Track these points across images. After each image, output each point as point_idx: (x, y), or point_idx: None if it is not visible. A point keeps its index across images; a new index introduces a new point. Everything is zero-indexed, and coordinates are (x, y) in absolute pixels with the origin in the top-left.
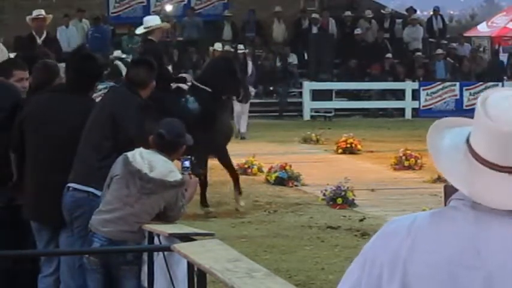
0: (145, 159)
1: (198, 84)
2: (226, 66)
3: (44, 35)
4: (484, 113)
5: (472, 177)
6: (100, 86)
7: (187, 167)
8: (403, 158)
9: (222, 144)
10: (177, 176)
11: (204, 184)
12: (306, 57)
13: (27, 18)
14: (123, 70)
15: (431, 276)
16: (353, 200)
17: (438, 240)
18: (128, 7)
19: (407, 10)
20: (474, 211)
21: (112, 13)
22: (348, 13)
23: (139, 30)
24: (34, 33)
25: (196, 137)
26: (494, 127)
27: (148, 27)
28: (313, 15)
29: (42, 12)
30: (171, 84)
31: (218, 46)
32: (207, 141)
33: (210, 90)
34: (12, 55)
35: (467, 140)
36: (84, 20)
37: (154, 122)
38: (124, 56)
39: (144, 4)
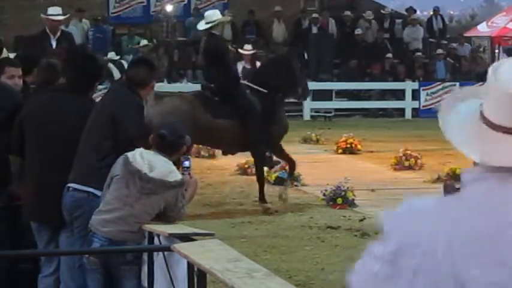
0: (145, 159)
1: (250, 84)
2: (284, 65)
3: (59, 34)
4: (494, 77)
5: (482, 141)
6: (100, 87)
7: (187, 167)
8: (403, 158)
9: (279, 138)
10: (177, 176)
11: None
12: (306, 57)
13: (42, 15)
14: (115, 72)
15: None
16: (353, 200)
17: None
18: (127, 7)
19: (407, 10)
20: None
21: (112, 13)
22: (348, 13)
23: (201, 26)
24: (48, 31)
25: (261, 132)
26: (500, 89)
27: (212, 22)
28: (313, 15)
29: (59, 11)
30: (239, 77)
31: None
32: (268, 136)
33: (263, 89)
34: (12, 55)
35: (480, 108)
36: (84, 20)
37: (229, 118)
38: (117, 58)
39: (144, 4)
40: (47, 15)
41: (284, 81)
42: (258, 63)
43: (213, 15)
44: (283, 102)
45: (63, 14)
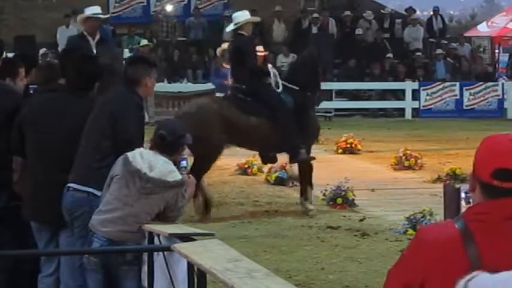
0: (145, 159)
1: (283, 82)
2: (311, 65)
3: (98, 37)
4: None
5: None
6: None
7: (185, 167)
8: (403, 158)
9: (310, 139)
10: (177, 176)
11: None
12: None
13: (79, 17)
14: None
15: None
16: (353, 200)
17: None
18: (128, 7)
19: (407, 10)
20: None
21: (112, 13)
22: (348, 13)
23: (229, 28)
24: (86, 33)
25: (295, 129)
26: None
27: (237, 23)
28: (313, 15)
29: (98, 10)
30: (266, 78)
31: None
32: (301, 134)
33: (296, 87)
34: (10, 55)
35: None
36: None
37: (261, 115)
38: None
39: (144, 4)
40: (92, 15)
41: (310, 80)
42: (270, 65)
43: (240, 16)
44: (313, 102)
45: (103, 13)
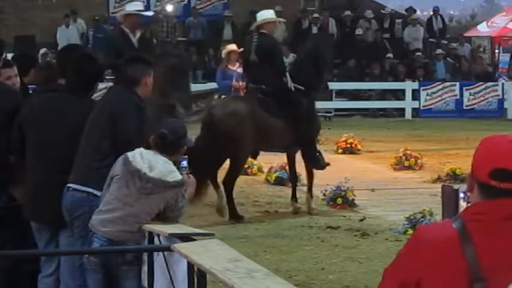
0: (145, 159)
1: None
2: (313, 64)
3: (139, 34)
4: None
5: None
6: (100, 86)
7: (185, 167)
8: (403, 158)
9: (317, 135)
10: (177, 176)
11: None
12: None
13: (119, 14)
14: None
15: None
16: (353, 200)
17: None
18: None
19: (407, 10)
20: None
21: (112, 13)
22: (348, 13)
23: (252, 27)
24: (127, 30)
25: (309, 129)
26: None
27: (258, 23)
28: (313, 15)
29: (140, 6)
30: (285, 78)
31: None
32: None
33: (302, 88)
34: (10, 55)
35: None
36: (79, 20)
37: (285, 117)
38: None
39: (144, 4)
40: (135, 11)
41: (314, 79)
42: None
43: (262, 15)
44: (314, 102)
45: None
